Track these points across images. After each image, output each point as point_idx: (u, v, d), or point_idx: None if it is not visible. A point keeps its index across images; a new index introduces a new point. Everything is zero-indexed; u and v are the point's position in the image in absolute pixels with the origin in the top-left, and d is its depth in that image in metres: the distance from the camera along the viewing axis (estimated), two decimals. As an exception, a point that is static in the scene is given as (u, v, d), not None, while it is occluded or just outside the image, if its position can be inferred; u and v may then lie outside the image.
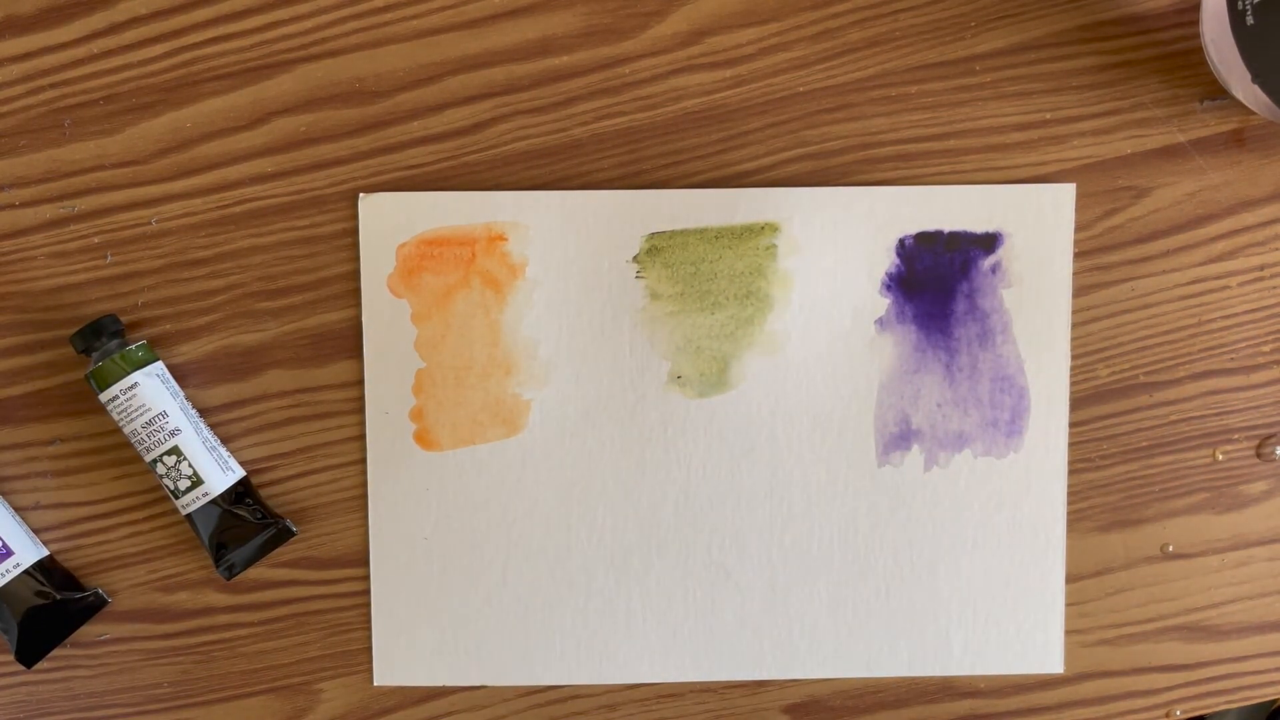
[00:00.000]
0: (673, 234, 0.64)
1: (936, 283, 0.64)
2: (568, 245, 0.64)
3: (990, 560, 0.65)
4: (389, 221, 0.64)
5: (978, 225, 0.64)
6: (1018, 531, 0.65)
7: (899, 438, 0.65)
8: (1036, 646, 0.66)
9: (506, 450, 0.65)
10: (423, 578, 0.65)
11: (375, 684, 0.66)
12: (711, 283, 0.64)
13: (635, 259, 0.64)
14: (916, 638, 0.66)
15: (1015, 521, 0.65)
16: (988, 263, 0.64)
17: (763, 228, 0.64)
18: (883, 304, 0.64)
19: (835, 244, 0.64)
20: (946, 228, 0.64)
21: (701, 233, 0.64)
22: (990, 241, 0.64)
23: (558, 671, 0.65)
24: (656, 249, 0.64)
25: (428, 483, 0.65)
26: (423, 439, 0.64)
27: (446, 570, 0.65)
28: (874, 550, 0.65)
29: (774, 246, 0.64)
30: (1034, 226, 0.64)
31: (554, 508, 0.65)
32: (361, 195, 0.63)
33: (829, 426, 0.65)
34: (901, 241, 0.64)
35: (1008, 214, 0.64)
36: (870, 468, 0.65)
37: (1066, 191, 0.64)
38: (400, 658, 0.66)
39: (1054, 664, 0.66)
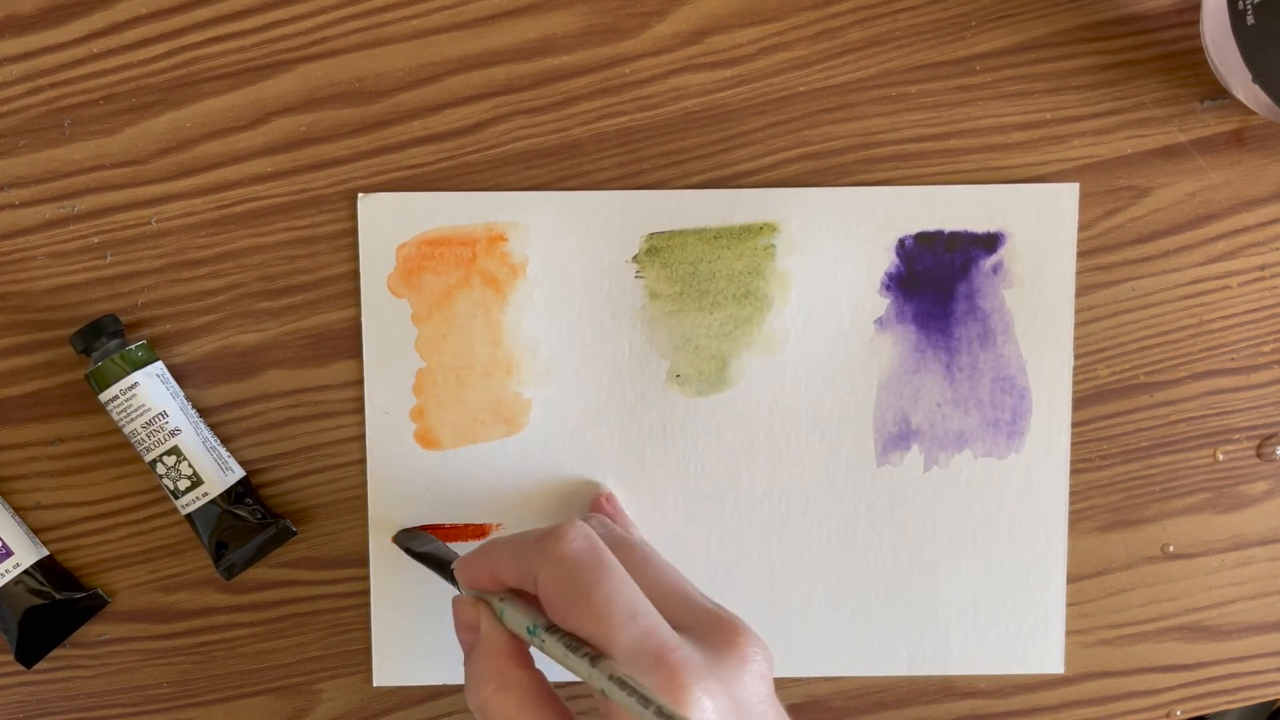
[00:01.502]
0: (671, 234, 0.64)
1: (937, 283, 0.64)
2: (568, 245, 0.64)
3: (991, 561, 0.65)
4: (389, 221, 0.64)
5: (979, 225, 0.64)
6: (1018, 532, 0.65)
7: (898, 437, 0.65)
8: (1037, 647, 0.66)
9: (507, 448, 0.65)
10: (423, 577, 0.65)
11: (375, 684, 0.66)
12: (710, 282, 0.64)
13: (635, 259, 0.64)
14: (916, 638, 0.66)
15: (1016, 522, 0.65)
16: (989, 263, 0.64)
17: (761, 228, 0.64)
18: (882, 304, 0.64)
19: (834, 244, 0.64)
20: (947, 228, 0.64)
21: (700, 233, 0.64)
22: (992, 242, 0.64)
23: (557, 669, 0.65)
24: (656, 249, 0.64)
25: (428, 481, 0.65)
26: (423, 438, 0.64)
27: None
28: (873, 550, 0.65)
29: (772, 246, 0.64)
30: (1036, 226, 0.64)
31: (554, 505, 0.65)
32: (361, 195, 0.63)
33: (828, 426, 0.65)
34: (901, 241, 0.64)
35: (1010, 214, 0.64)
36: (869, 467, 0.65)
37: (1070, 191, 0.64)
38: (400, 658, 0.66)
39: (1054, 664, 0.66)
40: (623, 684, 0.44)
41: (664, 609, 0.50)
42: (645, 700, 0.43)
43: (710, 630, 0.50)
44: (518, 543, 0.53)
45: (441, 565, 0.60)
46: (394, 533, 0.65)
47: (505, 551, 0.54)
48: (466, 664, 0.55)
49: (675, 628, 0.50)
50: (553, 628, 0.50)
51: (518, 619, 0.52)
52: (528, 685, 0.52)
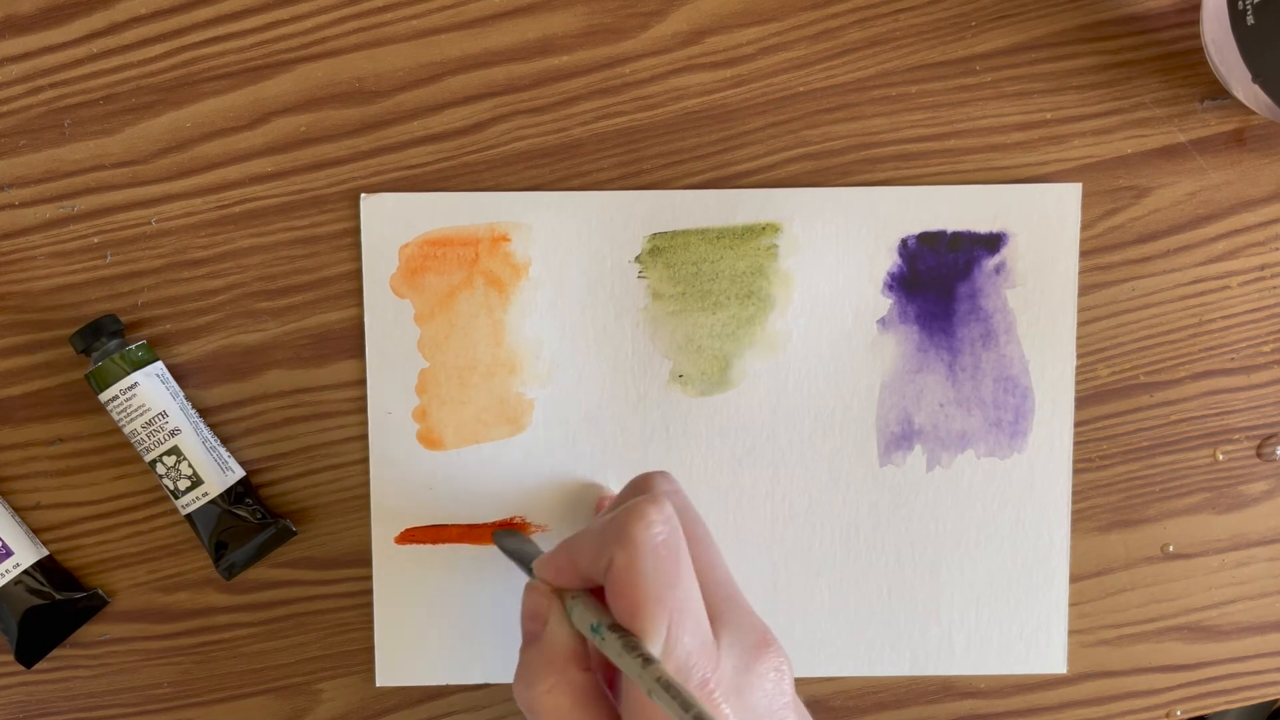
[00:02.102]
0: (674, 234, 0.64)
1: (939, 283, 0.64)
2: (570, 245, 0.64)
3: (993, 561, 0.65)
4: (391, 222, 0.64)
5: (981, 225, 0.64)
6: (1021, 532, 0.65)
7: (901, 437, 0.65)
8: (1040, 647, 0.66)
9: (510, 449, 0.65)
10: (425, 577, 0.65)
11: (378, 684, 0.66)
12: (713, 283, 0.64)
13: (637, 259, 0.64)
14: (919, 638, 0.66)
15: (1019, 522, 0.65)
16: (991, 263, 0.64)
17: (764, 228, 0.64)
18: (885, 304, 0.64)
19: (837, 244, 0.64)
20: (950, 228, 0.64)
21: (703, 233, 0.64)
22: (994, 242, 0.64)
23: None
24: (658, 249, 0.64)
25: (431, 481, 0.65)
26: (426, 438, 0.64)
27: (449, 569, 0.65)
28: (876, 550, 0.65)
29: (775, 246, 0.64)
30: (1039, 226, 0.64)
31: (557, 505, 0.65)
32: (363, 196, 0.63)
33: (830, 426, 0.65)
34: (904, 241, 0.64)
35: (1012, 214, 0.64)
36: (872, 467, 0.65)
37: (1072, 191, 0.64)
38: (402, 658, 0.66)
39: (1057, 665, 0.66)
40: (669, 687, 0.46)
41: (709, 596, 0.52)
42: (687, 705, 0.45)
43: (743, 634, 0.52)
44: (599, 528, 0.52)
45: (524, 560, 0.60)
46: (397, 532, 0.65)
47: (587, 538, 0.53)
48: (523, 653, 0.54)
49: (714, 619, 0.51)
50: (615, 626, 0.50)
51: (585, 616, 0.52)
52: (584, 687, 0.52)
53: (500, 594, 0.65)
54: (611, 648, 0.49)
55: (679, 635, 0.48)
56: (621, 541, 0.50)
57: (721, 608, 0.52)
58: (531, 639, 0.55)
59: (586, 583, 0.54)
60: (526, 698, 0.52)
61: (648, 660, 0.47)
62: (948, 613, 0.66)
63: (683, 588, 0.49)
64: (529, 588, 0.56)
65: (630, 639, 0.49)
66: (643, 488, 0.56)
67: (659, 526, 0.50)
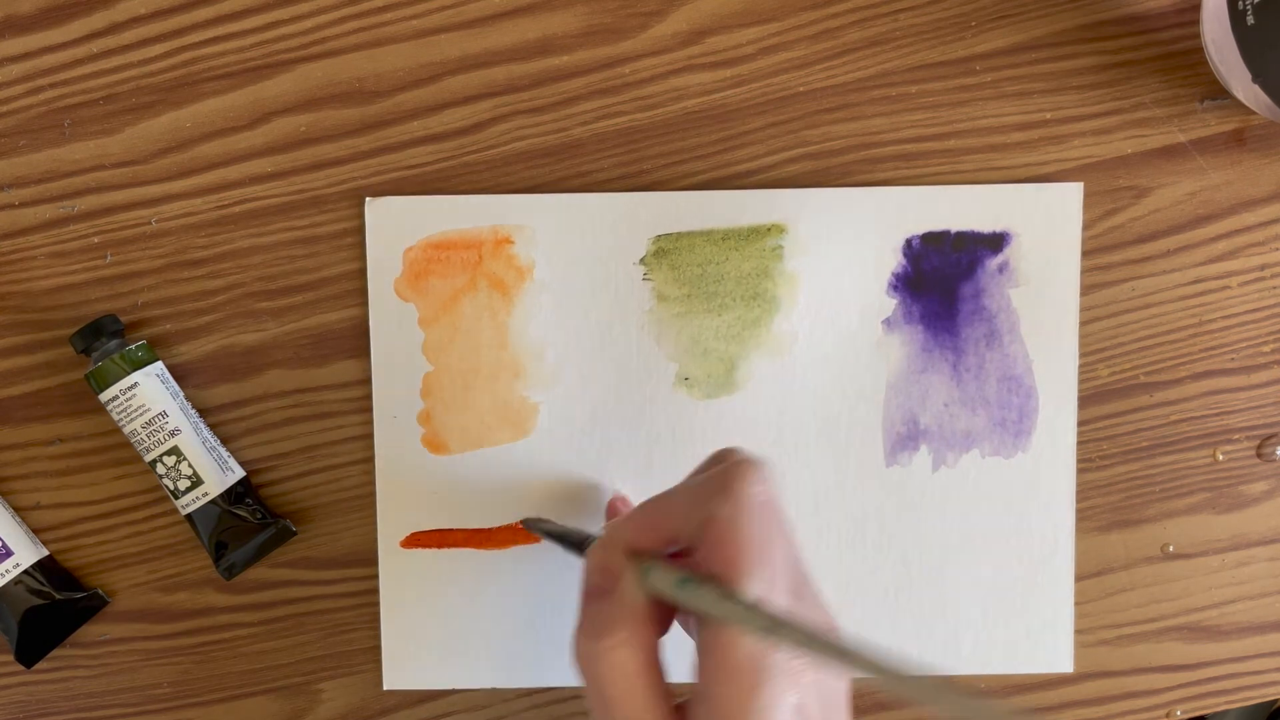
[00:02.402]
0: (679, 236, 0.64)
1: (943, 283, 0.64)
2: (575, 248, 0.64)
3: (999, 560, 0.66)
4: (395, 225, 0.64)
5: (985, 225, 0.64)
6: (1026, 531, 0.65)
7: (907, 438, 0.65)
8: (1046, 646, 0.66)
9: (515, 452, 0.65)
10: (431, 581, 0.65)
11: (385, 688, 0.66)
12: (718, 284, 0.64)
13: (642, 261, 0.64)
14: (925, 638, 0.66)
15: (1024, 521, 0.65)
16: (995, 263, 0.64)
17: (769, 229, 0.64)
18: (890, 304, 0.64)
19: (841, 245, 0.64)
20: (954, 228, 0.64)
21: (708, 234, 0.64)
22: (998, 241, 0.64)
23: (566, 672, 0.65)
24: (663, 251, 0.64)
25: (436, 486, 0.65)
26: (431, 442, 0.64)
27: (455, 573, 0.65)
28: (882, 551, 0.65)
29: (780, 248, 0.64)
30: (1042, 226, 0.64)
31: (563, 509, 0.65)
32: (368, 200, 0.63)
33: (836, 427, 0.65)
34: (908, 242, 0.64)
35: (1015, 214, 0.64)
36: (878, 468, 0.65)
37: (1074, 190, 0.64)
38: (409, 661, 0.66)
39: (1064, 664, 0.66)
40: (786, 624, 0.43)
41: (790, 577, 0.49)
42: (812, 637, 0.42)
43: (813, 618, 0.49)
44: (694, 485, 0.50)
45: (573, 539, 0.58)
46: (403, 536, 0.65)
47: (678, 495, 0.50)
48: (587, 607, 0.51)
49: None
50: (707, 578, 0.46)
51: (666, 576, 0.48)
52: (654, 653, 0.49)
53: (506, 597, 0.65)
54: (706, 598, 0.46)
55: (778, 595, 0.46)
56: (725, 494, 0.47)
57: (799, 587, 0.49)
58: (598, 593, 0.51)
59: (668, 543, 0.50)
60: (591, 650, 0.48)
61: (753, 604, 0.45)
62: (954, 613, 0.66)
63: (783, 548, 0.48)
64: (598, 545, 0.52)
65: (724, 588, 0.46)
66: (725, 460, 0.52)
67: (761, 485, 0.48)
